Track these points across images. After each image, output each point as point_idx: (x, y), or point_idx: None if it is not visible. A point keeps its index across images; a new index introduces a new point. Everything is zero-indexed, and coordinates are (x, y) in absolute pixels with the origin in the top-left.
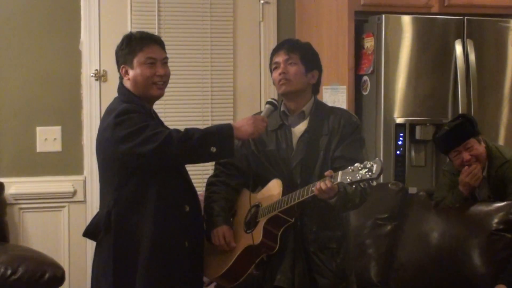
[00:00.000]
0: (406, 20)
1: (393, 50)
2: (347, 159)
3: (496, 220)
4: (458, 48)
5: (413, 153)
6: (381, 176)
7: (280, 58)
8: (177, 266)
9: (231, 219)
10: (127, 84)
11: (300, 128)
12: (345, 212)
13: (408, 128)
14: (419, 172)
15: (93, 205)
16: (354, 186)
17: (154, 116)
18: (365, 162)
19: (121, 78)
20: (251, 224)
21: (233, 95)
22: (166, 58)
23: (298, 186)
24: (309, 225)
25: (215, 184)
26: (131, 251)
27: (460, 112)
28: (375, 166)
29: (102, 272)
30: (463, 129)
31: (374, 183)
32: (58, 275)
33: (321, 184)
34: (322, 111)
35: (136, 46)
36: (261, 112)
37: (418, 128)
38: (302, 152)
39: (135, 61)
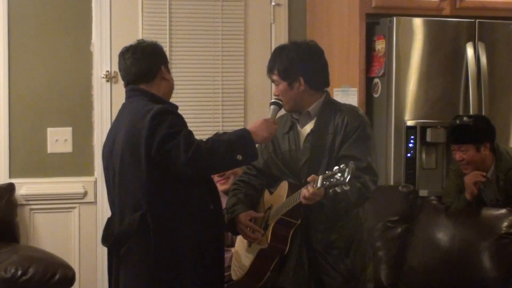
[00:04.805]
0: (418, 23)
1: (404, 52)
2: (351, 158)
3: (505, 224)
4: (470, 51)
5: (423, 156)
6: (392, 178)
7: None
8: (213, 265)
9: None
10: (163, 83)
11: (307, 129)
12: (343, 211)
13: (419, 131)
14: (430, 175)
15: (104, 206)
16: (330, 191)
17: None
18: (342, 166)
19: (137, 81)
20: (264, 227)
21: (243, 97)
22: None
23: (303, 185)
24: (315, 225)
25: (236, 184)
26: (172, 253)
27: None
28: (347, 170)
29: (142, 278)
30: (466, 132)
31: (347, 187)
32: (68, 276)
33: (304, 191)
34: (330, 110)
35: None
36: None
37: (429, 131)
38: (308, 152)
39: (167, 67)
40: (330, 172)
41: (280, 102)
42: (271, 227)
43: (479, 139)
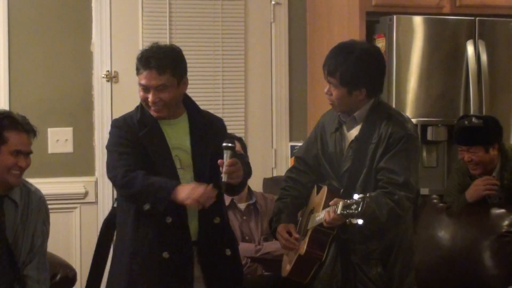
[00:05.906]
0: (418, 21)
1: (404, 50)
2: (390, 171)
3: (507, 222)
4: (470, 49)
5: (424, 154)
6: None
7: (325, 77)
8: (156, 276)
9: (300, 219)
10: None
11: (353, 133)
12: (372, 229)
13: (419, 129)
14: (431, 173)
15: (105, 206)
16: (347, 220)
17: (145, 129)
18: (359, 197)
19: None
20: (304, 232)
21: (244, 96)
22: (162, 85)
23: (341, 195)
24: (353, 235)
25: (285, 181)
26: (118, 256)
27: (471, 113)
28: (361, 204)
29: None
30: (476, 134)
31: (360, 221)
32: (69, 276)
33: (326, 215)
34: (377, 117)
35: (138, 66)
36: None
37: (430, 129)
38: (350, 160)
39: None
40: (349, 201)
41: (231, 145)
42: (308, 234)
43: (489, 140)
